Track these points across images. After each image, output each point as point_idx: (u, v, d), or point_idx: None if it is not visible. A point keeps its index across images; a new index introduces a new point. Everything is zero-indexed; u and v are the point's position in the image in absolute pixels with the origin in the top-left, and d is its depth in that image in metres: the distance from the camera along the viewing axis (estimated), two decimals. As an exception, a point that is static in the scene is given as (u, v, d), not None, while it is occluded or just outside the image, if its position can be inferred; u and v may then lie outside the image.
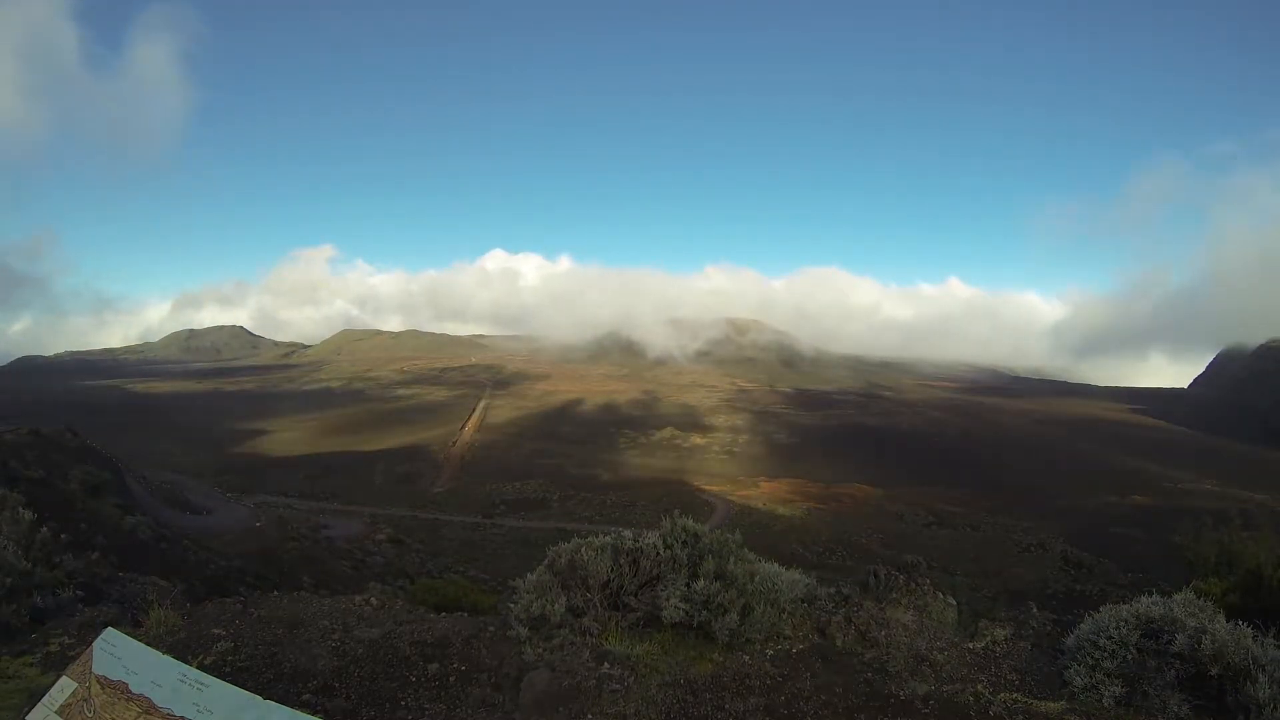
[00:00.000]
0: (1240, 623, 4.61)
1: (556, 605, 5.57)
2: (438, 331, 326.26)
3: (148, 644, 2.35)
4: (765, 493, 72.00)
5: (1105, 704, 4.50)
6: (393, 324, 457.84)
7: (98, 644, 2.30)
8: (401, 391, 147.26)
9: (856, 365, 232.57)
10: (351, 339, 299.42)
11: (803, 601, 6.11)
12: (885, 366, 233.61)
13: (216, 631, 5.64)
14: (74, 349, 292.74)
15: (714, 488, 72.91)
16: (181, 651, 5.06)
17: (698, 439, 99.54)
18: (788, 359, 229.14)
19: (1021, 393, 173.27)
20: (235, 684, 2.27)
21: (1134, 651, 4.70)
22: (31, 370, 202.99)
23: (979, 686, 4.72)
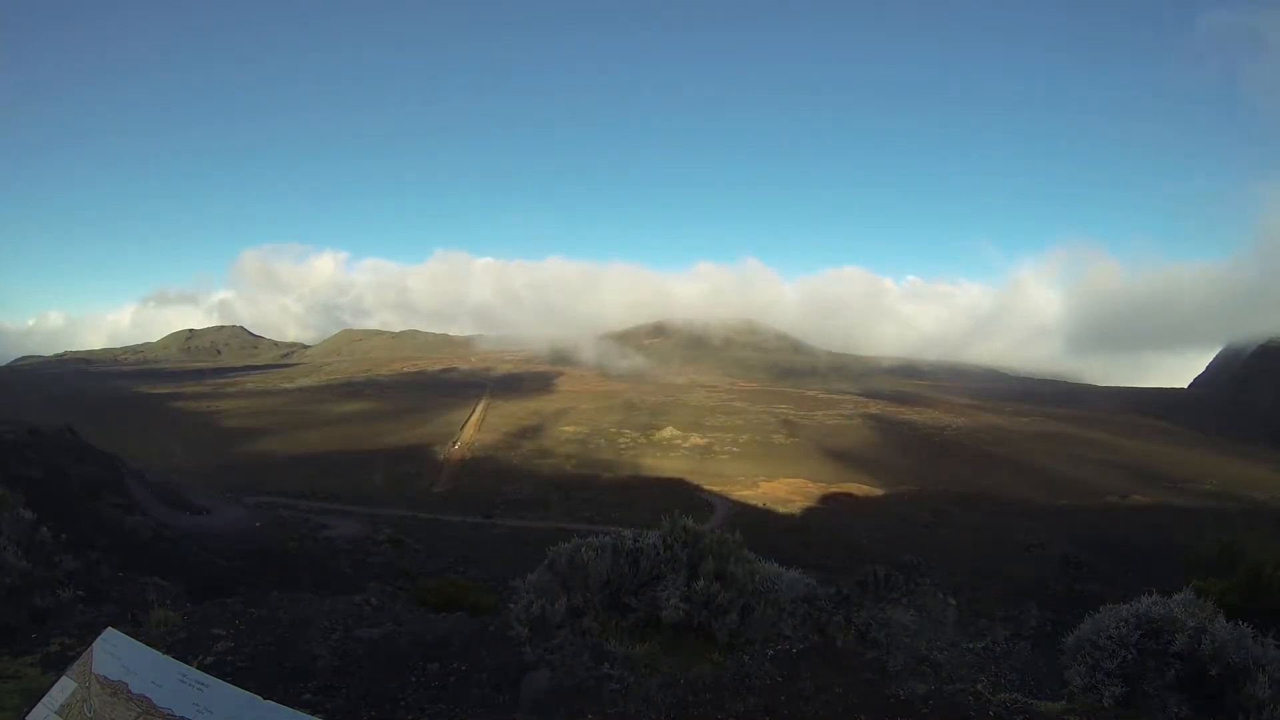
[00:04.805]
0: (1240, 623, 4.62)
1: (557, 605, 5.58)
2: (437, 331, 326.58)
3: (148, 644, 2.34)
4: (765, 493, 71.98)
5: (1105, 704, 4.50)
6: (373, 321, 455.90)
7: (98, 644, 2.29)
8: (401, 391, 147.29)
9: (859, 365, 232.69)
10: (351, 339, 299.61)
11: (803, 601, 6.12)
12: (889, 367, 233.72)
13: (217, 631, 5.64)
14: (73, 349, 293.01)
15: (714, 488, 72.90)
16: (181, 651, 5.06)
17: (698, 439, 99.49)
18: (789, 359, 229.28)
19: (1026, 393, 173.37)
20: (235, 684, 2.26)
21: (1134, 651, 4.70)
22: (31, 370, 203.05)
23: (979, 686, 4.72)
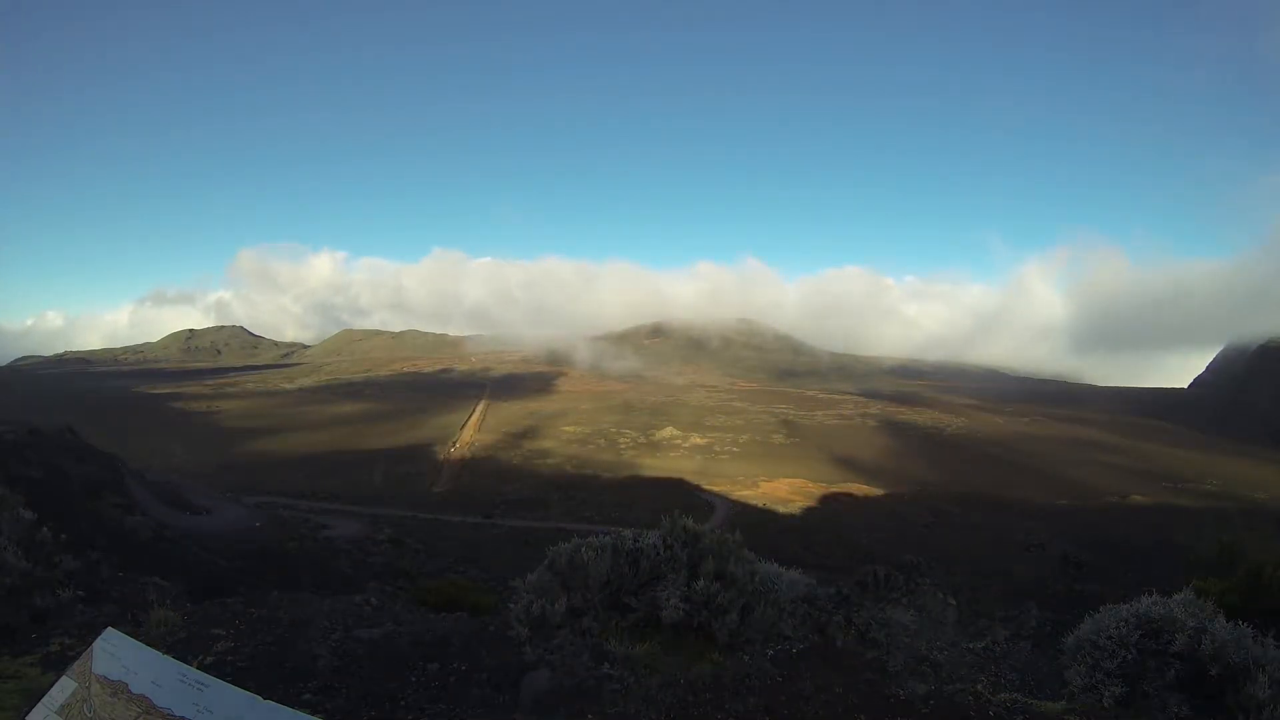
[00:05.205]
0: (1240, 623, 4.62)
1: (557, 605, 5.57)
2: (438, 332, 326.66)
3: (148, 644, 2.34)
4: (765, 493, 71.94)
5: (1105, 704, 4.49)
6: (371, 321, 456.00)
7: (98, 644, 2.30)
8: (401, 391, 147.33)
9: (861, 366, 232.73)
10: (351, 339, 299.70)
11: (803, 601, 6.12)
12: (890, 367, 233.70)
13: (217, 631, 5.64)
14: (72, 349, 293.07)
15: (714, 488, 72.87)
16: (181, 651, 5.06)
17: (697, 439, 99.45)
18: (789, 359, 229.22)
19: (1027, 394, 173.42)
20: (235, 684, 2.26)
21: (1134, 651, 4.70)
22: (31, 370, 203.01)
23: (979, 686, 4.72)
